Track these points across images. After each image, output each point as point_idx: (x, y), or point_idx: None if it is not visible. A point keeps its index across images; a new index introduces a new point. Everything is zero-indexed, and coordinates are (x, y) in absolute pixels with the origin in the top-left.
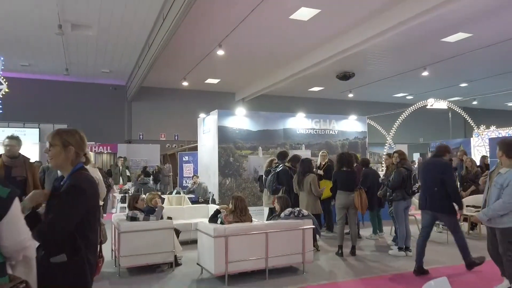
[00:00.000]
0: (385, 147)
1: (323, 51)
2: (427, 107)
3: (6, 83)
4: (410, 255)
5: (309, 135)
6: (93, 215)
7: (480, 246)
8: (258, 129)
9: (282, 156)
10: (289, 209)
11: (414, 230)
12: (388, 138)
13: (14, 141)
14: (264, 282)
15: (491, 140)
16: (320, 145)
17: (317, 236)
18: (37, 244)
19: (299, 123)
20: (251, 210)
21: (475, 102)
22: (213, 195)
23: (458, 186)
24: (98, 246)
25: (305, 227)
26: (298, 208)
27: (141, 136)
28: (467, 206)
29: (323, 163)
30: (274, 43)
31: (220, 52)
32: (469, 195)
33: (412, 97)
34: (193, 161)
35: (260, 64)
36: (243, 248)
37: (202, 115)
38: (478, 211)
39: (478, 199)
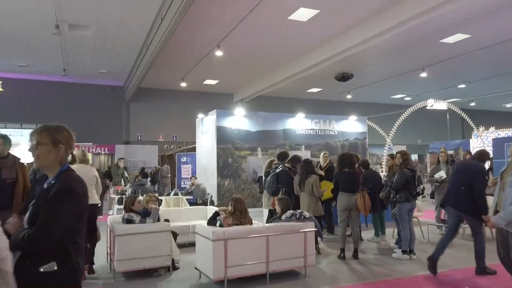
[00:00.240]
0: (385, 148)
1: (322, 51)
2: (427, 107)
3: (1, 82)
4: (414, 258)
5: (309, 135)
6: (82, 218)
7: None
8: (257, 129)
9: (282, 156)
10: (291, 211)
11: (417, 232)
12: (387, 140)
13: (0, 139)
14: (264, 287)
15: (495, 141)
16: (320, 145)
17: (319, 239)
18: (12, 256)
19: (299, 124)
20: (250, 211)
21: (473, 104)
22: (211, 196)
23: None
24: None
25: (307, 229)
26: (299, 210)
27: (139, 137)
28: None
29: (325, 165)
30: (273, 43)
31: (219, 53)
32: None
33: (410, 99)
34: (191, 162)
35: (259, 65)
36: (243, 251)
37: (200, 115)
38: None
39: None
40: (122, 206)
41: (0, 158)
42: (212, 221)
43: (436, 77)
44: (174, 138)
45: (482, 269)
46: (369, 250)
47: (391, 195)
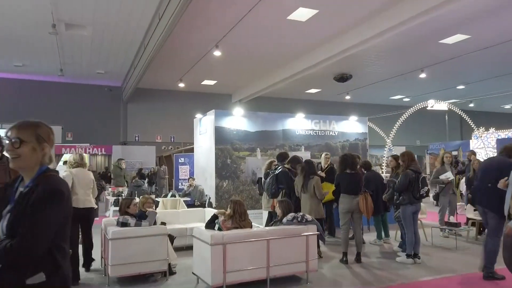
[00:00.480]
0: (385, 149)
1: (321, 52)
2: (428, 108)
3: None
4: (419, 263)
5: (309, 136)
6: (68, 223)
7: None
8: (256, 130)
9: (281, 157)
10: (292, 214)
11: (421, 235)
12: (387, 141)
13: None
14: None
15: (500, 141)
16: (320, 146)
17: (320, 242)
18: None
19: (298, 124)
20: (249, 213)
21: (471, 105)
22: (209, 198)
23: (465, 188)
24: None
25: (309, 233)
26: (301, 213)
27: (137, 138)
28: (475, 210)
29: (326, 166)
30: (272, 43)
31: (217, 53)
32: None
33: (409, 100)
34: (189, 163)
35: (257, 65)
36: (243, 256)
37: (198, 116)
38: None
39: None
40: (118, 208)
41: None
42: (210, 224)
43: (435, 78)
44: (172, 139)
45: (490, 274)
46: (372, 254)
47: (395, 197)
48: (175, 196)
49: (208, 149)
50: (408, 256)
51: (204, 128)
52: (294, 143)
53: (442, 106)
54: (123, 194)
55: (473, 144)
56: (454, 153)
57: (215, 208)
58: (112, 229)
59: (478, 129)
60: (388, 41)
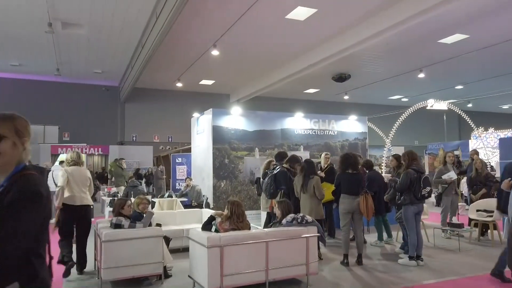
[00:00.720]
0: (384, 149)
1: (319, 51)
2: (427, 108)
3: None
4: (422, 265)
5: (308, 135)
6: (46, 227)
7: (495, 253)
8: (254, 129)
9: (280, 157)
10: (292, 215)
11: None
12: (386, 141)
13: None
14: None
15: (502, 141)
16: (319, 146)
17: (320, 244)
18: None
19: (297, 123)
20: (247, 214)
21: (470, 105)
22: (207, 198)
23: (468, 189)
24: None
25: (309, 235)
26: (301, 214)
27: (134, 138)
28: (477, 210)
29: (326, 166)
30: (270, 43)
31: (215, 52)
32: (480, 198)
33: (407, 100)
34: (187, 162)
35: (256, 65)
36: (241, 259)
37: (196, 115)
38: (491, 215)
39: (489, 203)
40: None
41: None
42: (207, 226)
43: (434, 78)
44: (170, 139)
45: (499, 273)
46: (374, 256)
47: (396, 197)
48: (171, 197)
49: (205, 148)
50: (410, 258)
51: (201, 128)
52: (293, 143)
53: (442, 105)
54: (118, 195)
55: (473, 144)
56: (456, 152)
57: (212, 208)
58: (105, 231)
59: (477, 129)
60: (387, 41)
